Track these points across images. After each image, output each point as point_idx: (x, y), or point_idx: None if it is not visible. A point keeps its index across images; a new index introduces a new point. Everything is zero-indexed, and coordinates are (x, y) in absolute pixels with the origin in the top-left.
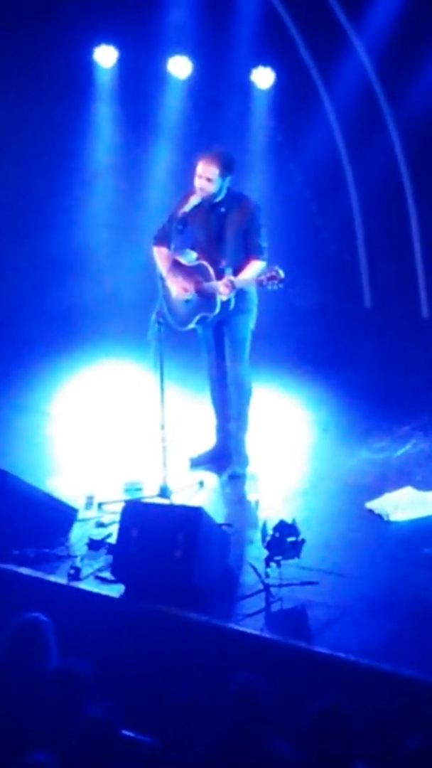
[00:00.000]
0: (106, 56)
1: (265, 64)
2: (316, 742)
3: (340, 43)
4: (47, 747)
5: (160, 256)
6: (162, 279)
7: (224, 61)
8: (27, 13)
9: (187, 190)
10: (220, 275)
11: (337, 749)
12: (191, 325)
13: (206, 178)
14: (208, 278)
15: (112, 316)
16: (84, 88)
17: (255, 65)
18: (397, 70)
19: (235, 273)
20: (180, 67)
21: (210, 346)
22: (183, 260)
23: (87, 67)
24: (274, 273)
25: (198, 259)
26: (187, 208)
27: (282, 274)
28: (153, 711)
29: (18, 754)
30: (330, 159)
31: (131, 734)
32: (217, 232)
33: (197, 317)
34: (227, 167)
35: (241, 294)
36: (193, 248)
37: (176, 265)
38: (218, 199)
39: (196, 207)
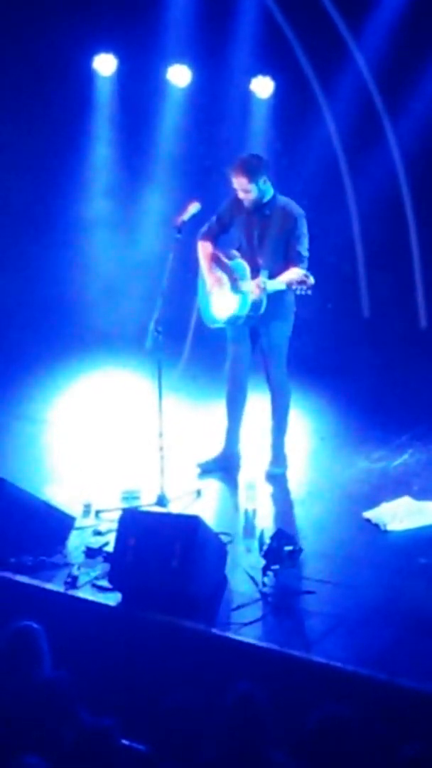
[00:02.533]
0: (105, 64)
1: (264, 74)
2: (315, 750)
3: (340, 53)
4: (39, 755)
5: (204, 250)
6: (200, 273)
7: (224, 70)
8: (26, 20)
9: (187, 198)
10: (255, 276)
11: (335, 760)
12: (220, 324)
13: (242, 189)
14: (243, 277)
15: (110, 324)
16: (83, 96)
17: (255, 74)
18: (397, 81)
19: (273, 277)
20: (179, 75)
21: (239, 349)
22: (224, 257)
23: (86, 75)
24: (304, 278)
25: (239, 258)
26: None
27: (312, 280)
28: (149, 720)
29: (8, 760)
30: (329, 168)
31: (127, 743)
32: (258, 234)
33: (228, 315)
34: (254, 172)
35: (278, 300)
36: (238, 249)
37: (216, 260)
38: (265, 200)
39: (242, 209)
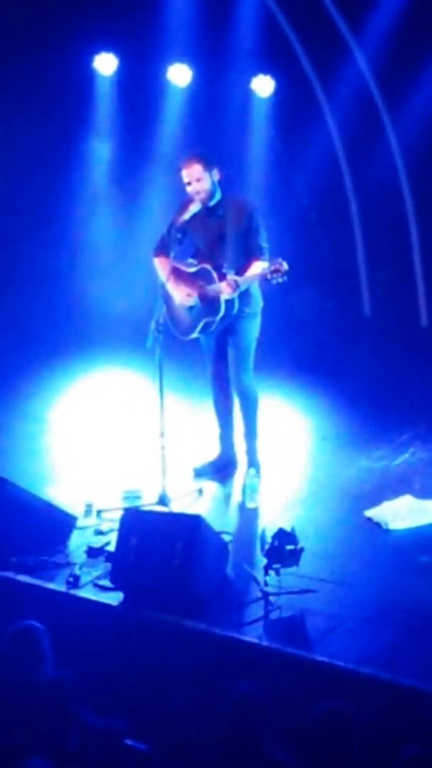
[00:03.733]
0: (106, 64)
1: (265, 73)
2: (316, 748)
3: (340, 52)
4: (43, 756)
5: (161, 265)
6: (163, 289)
7: (224, 69)
8: (27, 20)
9: (187, 198)
10: (222, 277)
11: (336, 758)
12: (195, 334)
13: (195, 179)
14: (210, 281)
15: (111, 324)
16: (84, 96)
17: (255, 73)
18: (397, 80)
19: (238, 274)
20: (180, 74)
21: (213, 355)
22: (184, 267)
23: (87, 74)
24: (278, 266)
25: (197, 265)
26: (187, 215)
27: (286, 266)
28: (151, 719)
29: (12, 762)
30: (329, 167)
31: (130, 742)
32: (217, 236)
33: (201, 324)
34: (207, 159)
35: (245, 297)
36: (194, 257)
37: (177, 273)
38: (215, 200)
39: (195, 213)
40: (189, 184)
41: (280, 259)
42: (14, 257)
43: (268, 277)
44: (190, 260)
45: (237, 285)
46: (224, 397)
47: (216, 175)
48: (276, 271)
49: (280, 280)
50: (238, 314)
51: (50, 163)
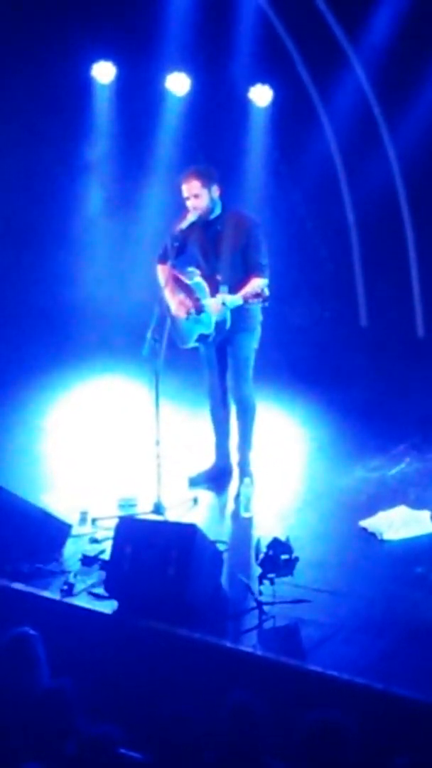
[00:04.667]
0: (104, 72)
1: (263, 82)
2: (309, 755)
3: (338, 62)
4: (39, 762)
5: (162, 273)
6: (162, 296)
7: (223, 79)
8: (26, 29)
9: (185, 206)
10: (215, 293)
11: (330, 766)
12: (192, 343)
13: (193, 194)
14: (204, 296)
15: (108, 332)
16: (82, 104)
17: (253, 83)
18: (394, 89)
19: (235, 290)
20: (178, 83)
21: (212, 365)
22: (184, 278)
23: (85, 82)
24: (258, 291)
25: (199, 276)
26: (184, 224)
27: (267, 292)
28: (146, 728)
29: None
30: (327, 177)
31: (124, 751)
32: (213, 250)
33: (197, 335)
34: (207, 176)
35: (243, 312)
36: (197, 266)
37: (177, 282)
38: (213, 215)
39: (193, 225)
40: (187, 198)
41: (263, 286)
42: (11, 265)
43: (250, 301)
44: (191, 269)
45: (224, 305)
46: (221, 406)
47: (215, 191)
48: (257, 295)
49: (260, 304)
50: (235, 329)
51: (48, 172)
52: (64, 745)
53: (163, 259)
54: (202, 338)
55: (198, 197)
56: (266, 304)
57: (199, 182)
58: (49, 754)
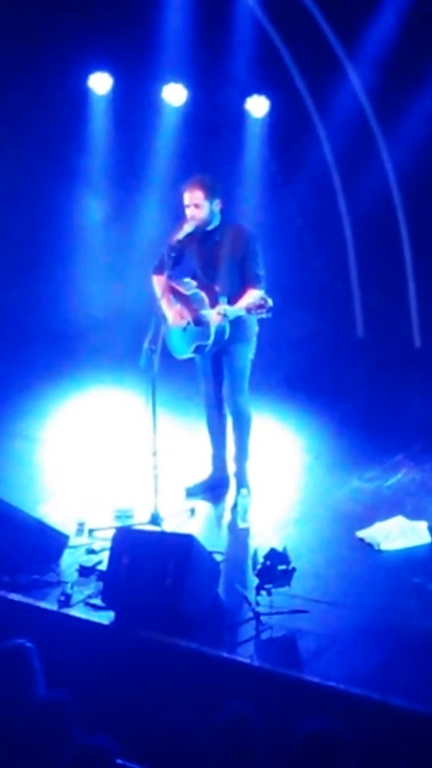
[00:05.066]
0: (100, 83)
1: (259, 93)
2: (307, 765)
3: (335, 73)
4: None
5: (158, 283)
6: (159, 307)
7: (219, 89)
8: (22, 39)
9: (181, 217)
10: (214, 304)
11: None
12: (189, 354)
13: (194, 204)
14: (203, 307)
15: (104, 343)
16: (78, 115)
17: (250, 94)
18: (391, 100)
19: (232, 302)
20: (175, 94)
21: (208, 376)
22: (181, 288)
23: (81, 93)
24: (262, 302)
25: (196, 287)
26: (181, 235)
27: (270, 302)
28: (142, 738)
29: None
30: (323, 188)
31: (121, 762)
32: (211, 261)
33: (194, 346)
34: (211, 189)
35: (239, 323)
36: (193, 278)
37: (174, 293)
38: (212, 226)
39: (191, 235)
40: (187, 206)
41: (264, 296)
42: (8, 275)
43: (253, 312)
44: (187, 280)
45: (225, 315)
46: (218, 416)
47: (217, 206)
48: (260, 306)
49: (264, 315)
50: (232, 339)
51: (44, 183)
52: (59, 756)
53: (159, 270)
54: (199, 349)
55: (198, 207)
56: (269, 315)
57: (203, 194)
58: (44, 765)
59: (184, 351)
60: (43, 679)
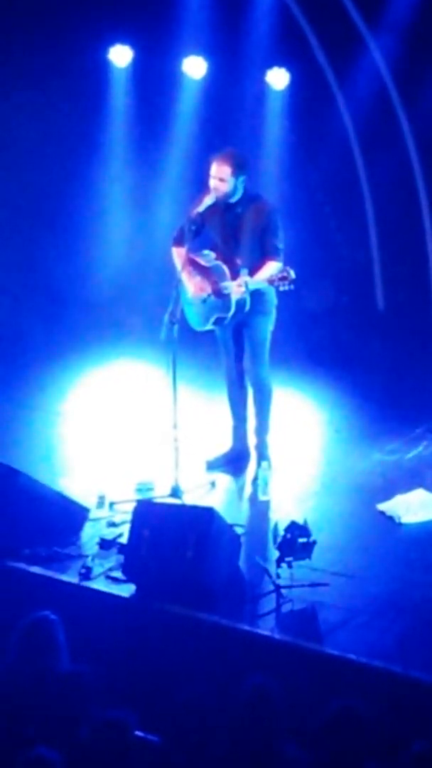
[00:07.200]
0: (121, 56)
1: (280, 65)
2: (328, 744)
3: (356, 45)
4: (54, 747)
5: (178, 255)
6: (179, 279)
7: (239, 62)
8: (42, 12)
9: (202, 190)
10: (235, 276)
11: (348, 752)
12: (209, 326)
13: (219, 178)
14: (223, 279)
15: (125, 316)
16: (99, 88)
17: (270, 66)
18: (412, 72)
19: (252, 274)
20: (195, 67)
21: (228, 348)
22: (201, 260)
23: (102, 66)
24: (285, 274)
25: (216, 259)
26: (201, 207)
27: (293, 274)
28: (163, 711)
29: (22, 750)
30: (344, 161)
31: (141, 734)
32: (233, 233)
33: (214, 317)
34: (240, 167)
35: (259, 295)
36: (213, 250)
37: (194, 265)
38: (234, 199)
39: (212, 207)
40: (213, 177)
41: (288, 267)
42: (28, 249)
43: (276, 283)
44: (206, 252)
45: (246, 287)
46: (238, 389)
47: (241, 183)
48: (283, 278)
49: (286, 287)
50: (252, 311)
51: (64, 155)
52: (77, 729)
53: (178, 242)
54: (219, 321)
55: (223, 181)
56: (292, 287)
57: (231, 169)
58: (63, 736)
59: (203, 323)
60: (67, 652)
